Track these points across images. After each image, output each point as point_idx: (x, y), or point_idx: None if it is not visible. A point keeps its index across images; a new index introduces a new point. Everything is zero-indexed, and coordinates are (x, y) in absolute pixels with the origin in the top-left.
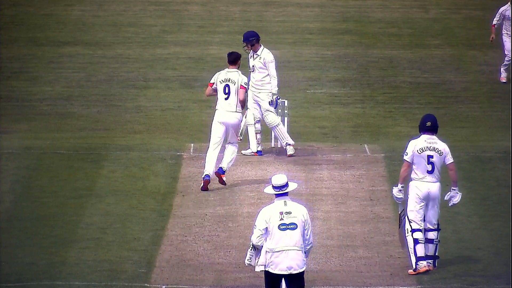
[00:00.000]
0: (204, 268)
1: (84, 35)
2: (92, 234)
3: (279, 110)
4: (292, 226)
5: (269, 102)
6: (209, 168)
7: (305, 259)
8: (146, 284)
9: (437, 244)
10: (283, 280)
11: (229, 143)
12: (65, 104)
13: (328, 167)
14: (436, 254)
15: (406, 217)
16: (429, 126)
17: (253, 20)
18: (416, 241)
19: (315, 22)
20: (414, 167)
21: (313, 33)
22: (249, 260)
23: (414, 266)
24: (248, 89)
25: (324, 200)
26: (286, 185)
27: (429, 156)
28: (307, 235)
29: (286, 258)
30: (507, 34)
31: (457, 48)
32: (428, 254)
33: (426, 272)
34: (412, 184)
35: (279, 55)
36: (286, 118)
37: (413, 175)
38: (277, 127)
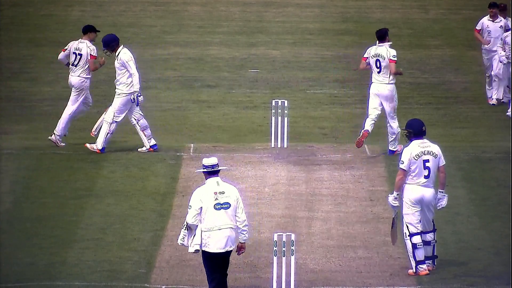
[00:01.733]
0: (204, 268)
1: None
2: (92, 234)
3: (279, 111)
4: (226, 206)
5: (131, 99)
6: None
7: (245, 236)
8: (146, 285)
9: (434, 244)
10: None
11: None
12: (65, 104)
13: (328, 168)
14: (435, 253)
15: (402, 221)
16: (424, 130)
17: (253, 21)
18: (414, 246)
19: (315, 23)
20: (410, 173)
21: (313, 33)
22: (182, 239)
23: (414, 270)
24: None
25: (324, 201)
26: (217, 165)
27: (425, 161)
28: (240, 214)
29: (221, 237)
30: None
31: (457, 49)
32: (427, 255)
33: (427, 274)
34: (407, 187)
35: (279, 56)
36: (286, 119)
37: (408, 180)
38: (108, 125)
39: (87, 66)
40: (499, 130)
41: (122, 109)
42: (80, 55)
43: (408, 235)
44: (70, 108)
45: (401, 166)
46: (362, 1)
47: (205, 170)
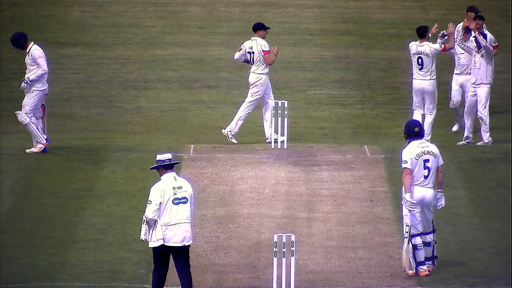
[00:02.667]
0: (204, 269)
1: (84, 36)
2: (92, 235)
3: (279, 111)
4: (184, 200)
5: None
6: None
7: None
8: (146, 285)
9: (434, 245)
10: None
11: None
12: (65, 105)
13: (328, 168)
14: (434, 254)
15: (402, 221)
16: (417, 132)
17: (253, 21)
18: (415, 247)
19: (315, 23)
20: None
21: (313, 34)
22: (145, 235)
23: (414, 270)
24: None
25: (324, 201)
26: (173, 160)
27: (425, 161)
28: (193, 209)
29: (180, 231)
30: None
31: None
32: (427, 256)
33: (427, 275)
34: None
35: (279, 56)
36: (286, 119)
37: None
38: (27, 125)
39: (261, 62)
40: (499, 130)
41: (35, 105)
42: (253, 52)
43: (408, 236)
44: (245, 106)
45: (405, 165)
46: (362, 2)
47: (161, 164)
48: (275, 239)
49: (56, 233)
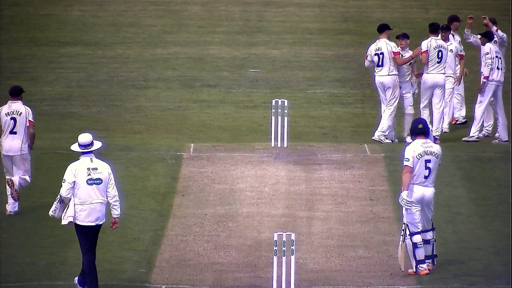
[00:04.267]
0: (204, 268)
1: (84, 35)
2: None
3: (279, 110)
4: (98, 181)
5: None
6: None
7: (117, 211)
8: (146, 284)
9: (433, 243)
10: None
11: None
12: (65, 104)
13: (328, 167)
14: (434, 253)
15: (402, 220)
16: (421, 129)
17: (253, 20)
18: (415, 245)
19: (315, 22)
20: (411, 171)
21: (313, 33)
22: (54, 211)
23: (414, 269)
24: None
25: (324, 200)
26: (92, 143)
27: (427, 161)
28: (111, 189)
29: (93, 211)
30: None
31: None
32: (427, 254)
33: (427, 274)
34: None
35: (279, 55)
36: (286, 118)
37: None
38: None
39: (391, 63)
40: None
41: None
42: (382, 53)
43: (409, 234)
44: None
45: (406, 163)
46: (362, 1)
47: (81, 150)
48: (275, 238)
49: (56, 233)
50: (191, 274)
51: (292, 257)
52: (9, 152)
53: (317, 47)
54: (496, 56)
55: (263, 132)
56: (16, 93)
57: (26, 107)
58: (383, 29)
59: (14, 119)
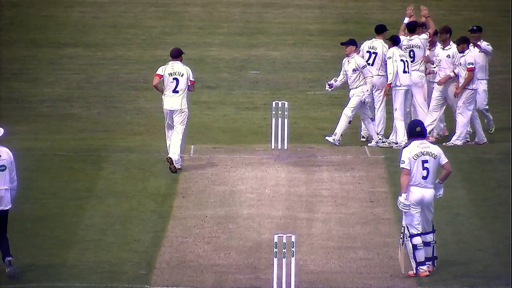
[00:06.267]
0: (204, 270)
1: (84, 36)
2: (92, 235)
3: (279, 112)
4: (2, 168)
5: None
6: None
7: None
8: (146, 286)
9: (434, 245)
10: None
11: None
12: (65, 105)
13: (328, 169)
14: (434, 254)
15: (402, 222)
16: (419, 131)
17: (253, 22)
18: (415, 247)
19: (315, 24)
20: (409, 173)
21: (313, 34)
22: None
23: (414, 271)
24: None
25: (324, 202)
26: None
27: (424, 161)
28: (13, 176)
29: None
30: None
31: None
32: (427, 256)
33: (427, 275)
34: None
35: (279, 57)
36: (286, 120)
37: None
38: None
39: (382, 64)
40: (499, 131)
41: None
42: (376, 53)
43: (409, 236)
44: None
45: (403, 165)
46: (363, 2)
47: None
48: (275, 240)
49: (56, 234)
50: (191, 275)
51: (292, 259)
52: (171, 108)
53: (317, 49)
54: (401, 60)
55: (263, 134)
56: (177, 55)
57: (186, 67)
58: (381, 30)
59: (176, 79)
